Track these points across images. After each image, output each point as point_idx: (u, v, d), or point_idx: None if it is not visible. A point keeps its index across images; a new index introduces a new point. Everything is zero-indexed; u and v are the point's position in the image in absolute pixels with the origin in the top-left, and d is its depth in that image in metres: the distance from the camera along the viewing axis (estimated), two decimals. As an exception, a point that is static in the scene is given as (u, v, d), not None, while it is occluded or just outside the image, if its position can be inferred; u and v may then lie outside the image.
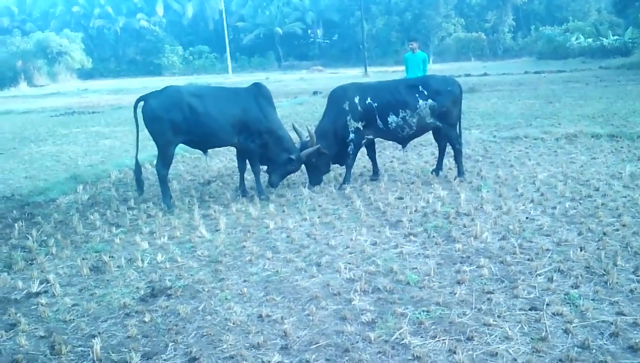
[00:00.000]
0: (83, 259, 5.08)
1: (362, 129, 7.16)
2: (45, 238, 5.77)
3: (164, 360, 3.36)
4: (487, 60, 50.00)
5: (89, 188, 7.89)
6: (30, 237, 5.73)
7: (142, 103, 6.57)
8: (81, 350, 3.52)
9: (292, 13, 66.55)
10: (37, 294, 4.40)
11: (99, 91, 34.33)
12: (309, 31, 70.56)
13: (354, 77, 33.32)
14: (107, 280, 4.62)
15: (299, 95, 22.31)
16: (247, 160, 7.06)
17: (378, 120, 7.13)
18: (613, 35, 41.57)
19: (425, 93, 7.12)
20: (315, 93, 22.35)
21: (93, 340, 3.50)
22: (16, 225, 6.18)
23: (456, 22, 59.10)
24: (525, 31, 58.12)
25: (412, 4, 58.64)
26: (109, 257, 5.04)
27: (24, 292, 4.47)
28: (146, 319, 3.85)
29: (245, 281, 4.44)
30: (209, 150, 7.21)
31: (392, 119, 7.10)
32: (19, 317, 3.98)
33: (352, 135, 7.15)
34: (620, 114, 12.09)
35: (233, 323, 3.72)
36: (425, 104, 7.10)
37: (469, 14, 60.29)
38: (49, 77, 51.29)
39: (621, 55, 35.50)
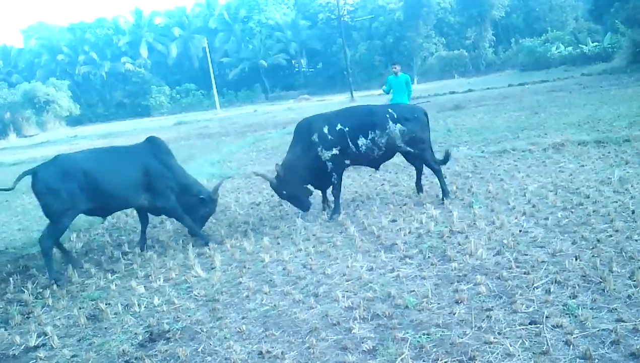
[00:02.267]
0: (80, 309, 5.04)
1: (338, 155, 7.13)
2: (41, 290, 5.73)
3: (166, 405, 3.32)
4: (471, 76, 50.58)
5: (83, 236, 7.86)
6: (25, 290, 5.68)
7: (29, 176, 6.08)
8: (82, 403, 3.47)
9: (275, 45, 67.32)
10: (35, 348, 4.36)
11: (89, 137, 34.40)
12: (293, 61, 71.32)
13: (341, 103, 33.57)
14: (105, 328, 4.58)
15: (288, 126, 22.40)
16: (147, 215, 6.91)
17: (350, 145, 7.12)
18: (592, 42, 42.24)
19: (395, 116, 7.19)
20: (303, 122, 22.47)
21: (93, 392, 3.46)
22: (11, 279, 6.14)
23: (437, 41, 59.92)
24: (506, 45, 58.92)
25: (392, 27, 59.51)
26: (106, 305, 5.00)
27: (22, 346, 4.42)
28: (146, 365, 3.81)
29: (243, 318, 4.42)
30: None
31: (362, 141, 7.11)
32: (18, 373, 3.94)
33: (330, 164, 7.15)
34: (605, 119, 12.21)
35: (234, 363, 3.70)
36: (395, 126, 7.14)
37: (449, 32, 61.14)
38: (37, 126, 51.59)
39: (602, 61, 36.05)
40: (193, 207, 6.78)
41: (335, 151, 7.11)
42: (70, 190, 5.96)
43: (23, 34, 77.50)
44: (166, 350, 4.00)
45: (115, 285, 5.56)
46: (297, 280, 5.06)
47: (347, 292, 4.64)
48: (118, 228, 8.10)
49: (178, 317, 4.57)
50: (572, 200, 6.40)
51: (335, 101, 38.85)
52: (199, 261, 5.95)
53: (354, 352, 3.64)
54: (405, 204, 7.22)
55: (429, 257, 5.20)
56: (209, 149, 17.27)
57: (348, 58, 48.53)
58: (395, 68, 12.09)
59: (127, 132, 33.97)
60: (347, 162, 7.31)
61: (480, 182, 7.96)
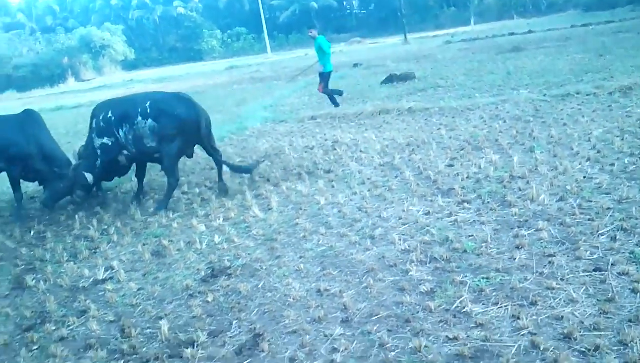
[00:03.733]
0: (144, 245, 5.25)
1: (110, 144, 6.52)
2: (106, 227, 5.98)
3: (230, 337, 3.45)
4: (531, 16, 48.19)
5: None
6: (91, 227, 5.94)
7: None
8: (150, 332, 3.65)
9: (327, -14, 65.78)
10: (103, 281, 4.58)
11: (144, 80, 34.95)
12: (345, 3, 69.70)
13: (394, 45, 32.81)
14: (169, 264, 4.76)
15: (340, 69, 22.07)
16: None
17: (120, 138, 6.43)
18: (665, -21, 39.31)
19: (148, 110, 6.20)
20: (355, 65, 22.17)
21: (160, 322, 3.63)
22: (76, 216, 6.42)
23: (496, -21, 57.12)
24: (570, -17, 55.64)
25: (448, -35, 57.04)
26: (168, 241, 5.18)
27: (91, 279, 4.65)
28: (209, 299, 3.95)
29: (301, 257, 4.49)
30: None
31: (121, 133, 6.39)
32: (89, 303, 4.16)
33: (100, 152, 6.63)
34: (678, 61, 11.49)
35: (293, 299, 3.78)
36: (145, 121, 6.20)
37: (509, -30, 58.10)
38: (94, 70, 52.87)
39: (675, -1, 33.63)
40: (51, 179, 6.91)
41: (107, 140, 6.51)
42: None
43: (77, -22, 78.38)
44: (228, 285, 4.13)
45: (177, 223, 5.73)
46: (353, 223, 5.08)
47: (403, 235, 4.64)
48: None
49: (238, 255, 4.69)
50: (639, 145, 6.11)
51: (389, 43, 37.97)
52: (257, 202, 6.05)
53: (412, 293, 3.66)
54: (462, 149, 7.07)
55: (488, 202, 5.11)
56: (261, 93, 17.29)
57: (402, -1, 46.96)
58: (310, 33, 12.10)
59: (181, 76, 34.33)
60: (126, 152, 6.60)
61: (542, 126, 7.67)
